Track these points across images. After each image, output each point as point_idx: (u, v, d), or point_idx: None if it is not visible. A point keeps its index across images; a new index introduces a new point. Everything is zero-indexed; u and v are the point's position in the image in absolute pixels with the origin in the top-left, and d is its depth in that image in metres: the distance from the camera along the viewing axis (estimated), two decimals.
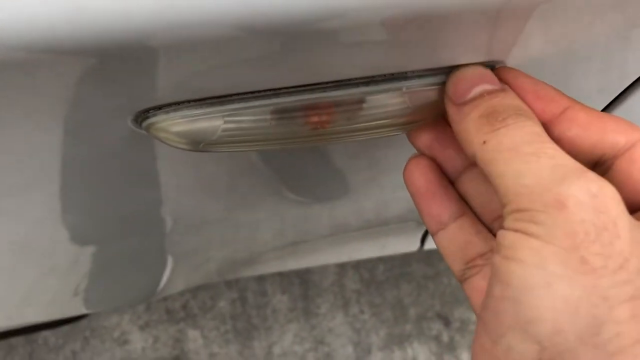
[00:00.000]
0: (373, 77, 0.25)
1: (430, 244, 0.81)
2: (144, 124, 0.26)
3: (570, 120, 0.25)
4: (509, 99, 0.24)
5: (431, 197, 0.29)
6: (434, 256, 1.20)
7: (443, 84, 0.26)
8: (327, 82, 0.25)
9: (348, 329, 1.17)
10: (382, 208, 0.58)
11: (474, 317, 1.18)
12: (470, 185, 0.29)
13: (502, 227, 0.22)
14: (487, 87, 0.24)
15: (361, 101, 0.26)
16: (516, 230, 0.21)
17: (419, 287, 1.19)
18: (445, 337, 1.17)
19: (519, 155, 0.22)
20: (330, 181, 0.46)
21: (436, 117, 0.27)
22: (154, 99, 0.25)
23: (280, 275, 1.18)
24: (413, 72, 0.25)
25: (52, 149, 0.29)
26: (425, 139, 0.28)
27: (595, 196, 0.20)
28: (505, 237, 0.22)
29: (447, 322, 1.18)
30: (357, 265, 1.19)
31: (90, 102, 0.25)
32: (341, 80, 0.25)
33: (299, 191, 0.48)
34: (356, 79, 0.25)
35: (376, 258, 1.19)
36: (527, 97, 0.25)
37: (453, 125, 0.25)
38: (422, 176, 0.29)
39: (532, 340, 0.20)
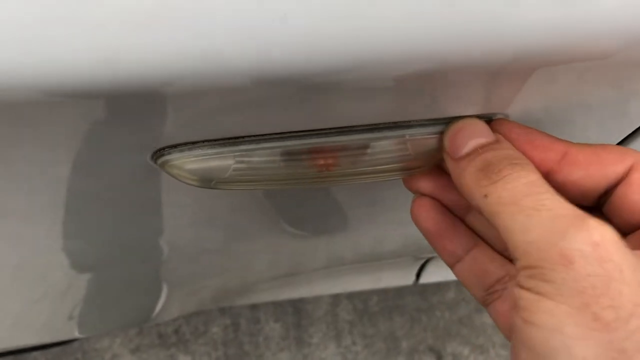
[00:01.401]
0: (377, 124, 0.27)
1: (425, 279, 0.82)
2: (160, 160, 0.27)
3: (571, 164, 0.26)
4: (503, 150, 0.25)
5: (441, 235, 0.30)
6: (428, 289, 1.21)
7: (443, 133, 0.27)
8: (333, 128, 0.27)
9: None
10: (378, 243, 0.59)
11: (466, 352, 1.18)
12: (478, 222, 0.30)
13: (517, 284, 0.23)
14: (480, 140, 0.26)
15: (365, 147, 0.27)
16: (529, 289, 0.22)
17: (412, 320, 1.20)
18: None
19: (520, 209, 0.23)
20: (328, 216, 0.47)
21: (436, 164, 0.28)
22: (170, 138, 0.27)
23: (274, 303, 1.18)
24: (416, 121, 0.27)
25: (66, 181, 0.30)
26: (425, 186, 0.30)
27: (598, 245, 0.21)
28: (521, 297, 0.22)
29: (439, 356, 1.18)
30: (351, 295, 1.20)
31: (112, 139, 0.26)
32: (347, 127, 0.27)
33: (297, 224, 0.49)
34: (361, 125, 0.27)
35: (370, 289, 1.19)
36: (524, 148, 0.26)
37: (454, 178, 0.26)
38: (429, 218, 0.30)
39: None
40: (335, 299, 1.20)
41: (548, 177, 0.26)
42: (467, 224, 0.30)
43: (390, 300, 1.20)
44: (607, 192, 0.26)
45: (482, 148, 0.25)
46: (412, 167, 0.28)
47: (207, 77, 0.21)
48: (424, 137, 0.27)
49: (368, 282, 0.81)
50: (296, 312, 1.19)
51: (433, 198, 0.30)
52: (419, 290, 1.20)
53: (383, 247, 0.60)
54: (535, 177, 0.24)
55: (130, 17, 0.19)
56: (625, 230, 0.26)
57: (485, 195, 0.24)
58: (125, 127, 0.25)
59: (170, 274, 0.55)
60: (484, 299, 0.29)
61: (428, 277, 0.81)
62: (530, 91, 0.26)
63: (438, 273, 0.80)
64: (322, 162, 0.27)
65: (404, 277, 0.80)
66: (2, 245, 0.38)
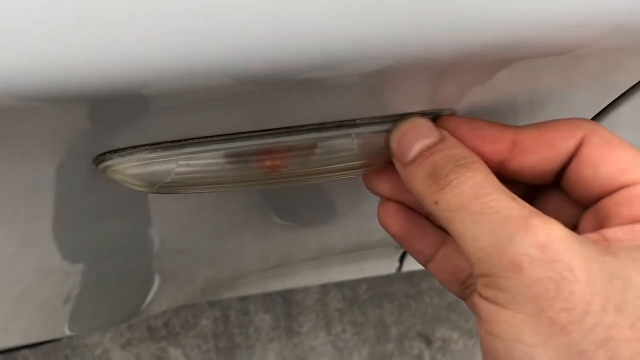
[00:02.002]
0: (324, 124, 0.26)
1: (408, 266, 0.82)
2: (101, 166, 0.26)
3: (523, 151, 0.25)
4: (449, 151, 0.25)
5: (409, 238, 0.30)
6: (416, 276, 1.21)
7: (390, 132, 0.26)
8: (279, 129, 0.26)
9: (331, 348, 1.17)
10: (367, 233, 0.59)
11: (455, 336, 1.18)
12: None
13: (477, 292, 0.23)
14: (426, 142, 0.25)
15: (313, 147, 0.26)
16: (487, 299, 0.22)
17: (401, 307, 1.20)
18: (427, 357, 1.17)
19: (469, 214, 0.23)
20: (317, 208, 0.47)
21: (386, 162, 0.28)
22: (110, 143, 0.26)
23: (263, 294, 1.18)
24: (362, 119, 0.26)
25: (29, 185, 0.29)
26: (383, 187, 0.29)
27: (545, 246, 0.21)
28: (481, 307, 0.22)
29: (428, 342, 1.18)
30: (340, 284, 1.20)
31: (54, 144, 0.25)
32: (294, 127, 0.26)
33: (287, 216, 0.48)
34: (308, 125, 0.26)
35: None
36: (474, 143, 0.25)
37: (405, 184, 0.26)
38: (395, 222, 0.30)
39: None
40: (325, 288, 1.20)
41: (503, 167, 0.26)
42: (435, 221, 0.30)
43: (379, 287, 1.20)
44: (563, 169, 0.26)
45: (429, 150, 0.25)
46: (362, 167, 0.27)
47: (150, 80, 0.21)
48: (372, 136, 0.26)
49: (352, 272, 0.81)
50: (286, 302, 1.19)
51: (396, 201, 0.30)
52: (408, 277, 1.20)
53: (372, 236, 0.60)
54: (481, 177, 0.24)
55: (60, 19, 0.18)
56: (585, 204, 0.26)
57: (436, 202, 0.24)
58: (69, 132, 0.25)
59: (161, 266, 0.55)
60: (461, 293, 0.29)
61: (411, 265, 0.81)
62: (477, 85, 0.25)
63: None
64: (269, 163, 0.27)
65: (387, 266, 0.80)
66: None
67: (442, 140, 0.25)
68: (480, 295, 0.22)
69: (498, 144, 0.25)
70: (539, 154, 0.25)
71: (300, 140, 0.26)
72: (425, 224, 0.30)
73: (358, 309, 1.19)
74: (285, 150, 0.26)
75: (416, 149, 0.25)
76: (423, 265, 0.30)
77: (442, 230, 0.29)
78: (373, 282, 1.20)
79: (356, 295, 1.20)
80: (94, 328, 0.97)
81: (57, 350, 1.15)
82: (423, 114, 0.26)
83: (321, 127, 0.26)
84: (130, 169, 0.26)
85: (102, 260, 0.48)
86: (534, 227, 0.21)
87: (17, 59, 0.19)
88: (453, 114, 0.27)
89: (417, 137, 0.25)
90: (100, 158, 0.26)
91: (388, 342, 1.17)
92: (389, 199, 0.30)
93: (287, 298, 1.19)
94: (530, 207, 0.23)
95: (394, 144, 0.26)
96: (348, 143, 0.26)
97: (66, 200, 0.33)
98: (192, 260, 0.55)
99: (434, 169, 0.24)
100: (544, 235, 0.21)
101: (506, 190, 0.23)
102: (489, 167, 0.24)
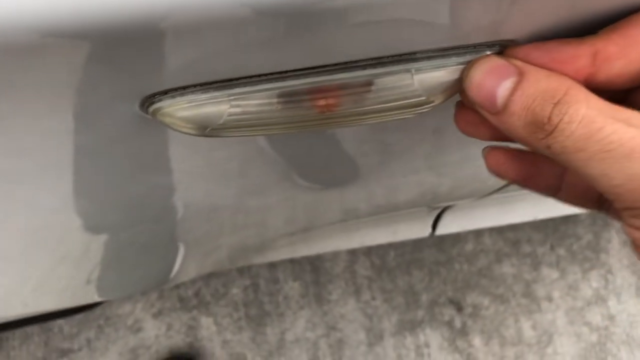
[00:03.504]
0: (381, 58, 0.25)
1: (441, 230, 0.81)
2: (150, 109, 0.26)
3: (606, 60, 0.23)
4: (536, 88, 0.23)
5: (529, 180, 0.29)
6: (446, 242, 1.20)
7: (453, 65, 0.25)
8: (333, 65, 0.25)
9: (360, 315, 1.17)
10: (393, 193, 0.58)
11: (486, 302, 1.17)
12: None
13: (626, 224, 0.23)
14: (507, 84, 0.23)
15: (369, 84, 0.25)
16: (638, 228, 0.23)
17: (430, 273, 1.19)
18: (457, 323, 1.17)
19: (590, 155, 0.22)
20: (340, 167, 0.46)
21: (446, 99, 0.26)
22: (159, 83, 0.25)
23: (292, 262, 1.19)
24: (422, 52, 0.25)
25: (60, 135, 0.29)
26: (483, 132, 0.28)
27: None
28: (635, 236, 0.23)
29: (459, 308, 1.18)
30: (368, 251, 1.19)
31: (97, 87, 0.24)
32: (348, 62, 0.25)
33: (309, 177, 0.48)
34: (364, 60, 0.25)
35: (387, 244, 1.19)
36: (552, 68, 0.24)
37: (504, 132, 0.25)
38: (509, 170, 0.29)
39: None
40: (353, 255, 1.19)
41: (589, 83, 0.24)
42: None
43: (408, 254, 1.20)
44: None
45: (514, 94, 0.23)
46: (421, 104, 0.26)
47: (203, 9, 0.20)
48: (432, 71, 0.25)
49: (384, 235, 0.80)
50: (314, 270, 1.19)
51: (499, 147, 0.29)
52: (437, 243, 1.19)
53: (398, 197, 0.59)
54: (584, 110, 0.22)
55: None
56: None
57: (548, 147, 0.23)
58: (114, 72, 0.24)
59: (185, 233, 0.54)
60: (599, 208, 0.29)
61: (444, 229, 0.80)
62: (542, 12, 0.24)
63: (455, 223, 0.79)
64: (322, 102, 0.26)
65: (420, 229, 0.79)
66: (16, 207, 0.38)
67: (522, 75, 0.23)
68: (630, 226, 0.23)
69: (577, 61, 0.23)
70: (624, 58, 0.23)
71: (355, 77, 0.25)
72: (540, 159, 0.29)
73: (387, 276, 1.19)
74: (339, 88, 0.25)
75: (501, 95, 0.24)
76: (551, 197, 0.30)
77: None
78: (401, 249, 1.19)
79: (384, 262, 1.19)
80: (122, 294, 0.98)
81: (90, 320, 1.17)
82: (488, 46, 0.25)
83: (377, 62, 0.25)
84: (180, 110, 0.25)
85: (128, 227, 0.48)
86: None
87: None
88: (516, 44, 0.25)
89: (497, 81, 0.24)
90: (149, 100, 0.26)
91: (418, 309, 1.17)
92: (491, 145, 0.29)
93: (315, 265, 1.19)
94: None
95: (472, 94, 0.25)
96: (407, 79, 0.25)
97: (105, 150, 0.32)
98: (216, 226, 0.55)
99: (532, 115, 0.23)
100: None
101: (614, 111, 0.22)
102: None
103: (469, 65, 0.25)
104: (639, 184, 0.21)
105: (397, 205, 0.63)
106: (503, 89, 0.24)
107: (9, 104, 0.25)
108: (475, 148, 0.32)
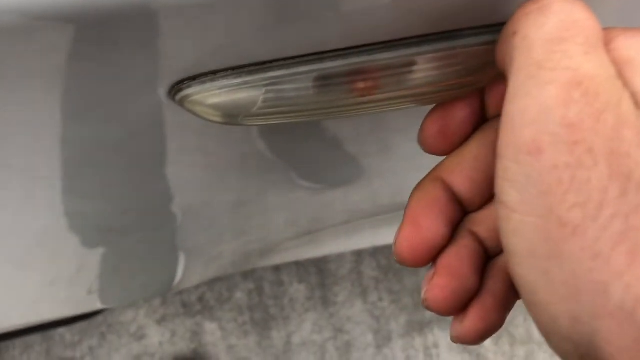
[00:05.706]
0: (424, 36, 0.23)
1: None
2: (178, 96, 0.24)
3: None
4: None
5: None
6: None
7: None
8: (373, 44, 0.23)
9: (367, 317, 1.15)
10: (397, 193, 0.57)
11: None
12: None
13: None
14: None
15: (411, 63, 0.24)
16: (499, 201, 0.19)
17: None
18: None
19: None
20: (341, 167, 0.45)
21: (493, 79, 0.25)
22: (188, 69, 0.23)
23: (297, 264, 1.17)
24: (469, 29, 0.23)
25: (69, 127, 0.27)
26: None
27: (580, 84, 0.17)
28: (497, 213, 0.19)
29: None
30: (374, 252, 1.18)
31: (120, 72, 0.23)
32: (389, 41, 0.23)
33: (310, 178, 0.46)
34: (405, 39, 0.23)
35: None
36: None
37: None
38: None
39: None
40: (359, 256, 1.18)
41: None
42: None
43: None
44: None
45: None
46: (467, 85, 0.24)
47: None
48: (481, 48, 0.23)
49: (389, 235, 0.79)
50: (319, 272, 1.17)
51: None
52: None
53: (402, 197, 0.58)
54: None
55: None
56: None
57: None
58: (138, 57, 0.22)
59: (185, 241, 0.53)
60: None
61: None
62: None
63: None
64: (362, 85, 0.24)
65: None
66: (18, 211, 0.36)
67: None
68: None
69: None
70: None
71: (397, 57, 0.23)
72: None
73: (394, 277, 1.17)
74: (381, 69, 0.24)
75: None
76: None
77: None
78: None
79: (391, 263, 1.18)
80: (124, 302, 0.96)
81: (92, 327, 1.14)
82: None
83: (421, 40, 0.23)
84: (211, 97, 0.24)
85: (127, 234, 0.46)
86: None
87: None
88: None
89: None
90: (177, 87, 0.24)
91: (426, 310, 1.16)
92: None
93: (321, 267, 1.17)
94: None
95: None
96: (453, 56, 0.23)
97: (124, 144, 0.31)
98: (215, 232, 0.54)
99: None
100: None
101: None
102: None
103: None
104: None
105: (402, 204, 0.62)
106: None
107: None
108: None
